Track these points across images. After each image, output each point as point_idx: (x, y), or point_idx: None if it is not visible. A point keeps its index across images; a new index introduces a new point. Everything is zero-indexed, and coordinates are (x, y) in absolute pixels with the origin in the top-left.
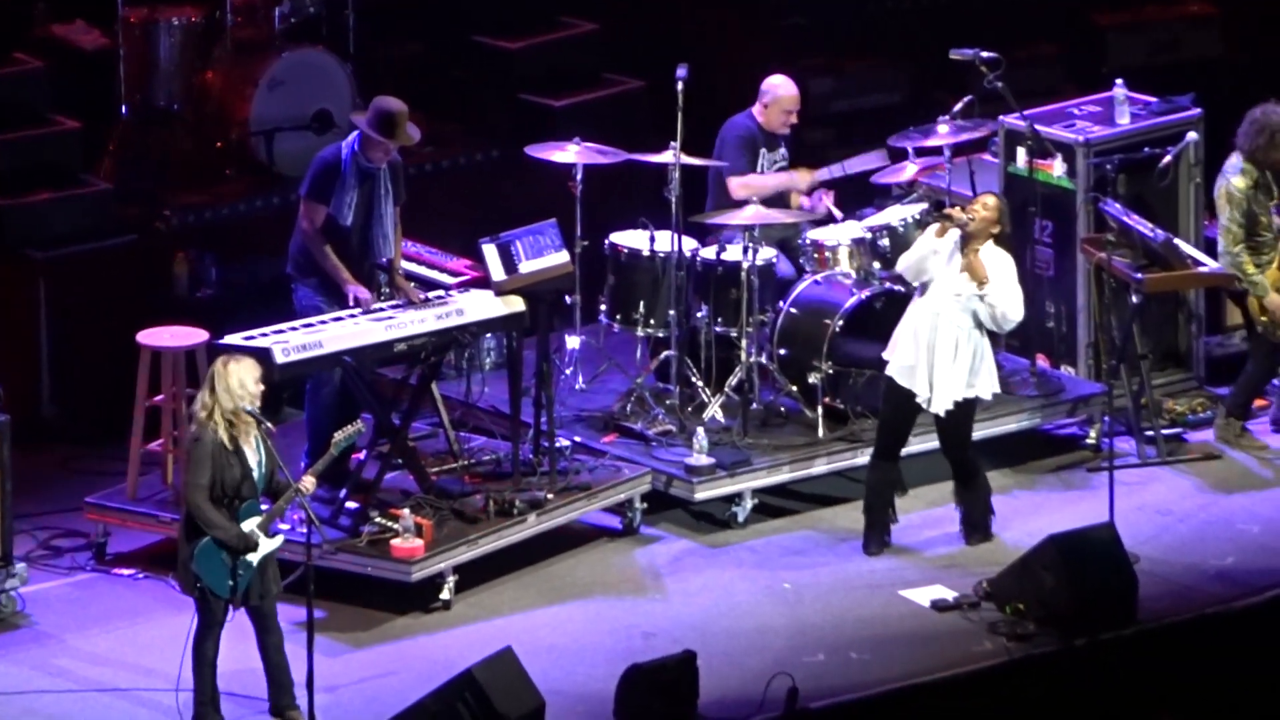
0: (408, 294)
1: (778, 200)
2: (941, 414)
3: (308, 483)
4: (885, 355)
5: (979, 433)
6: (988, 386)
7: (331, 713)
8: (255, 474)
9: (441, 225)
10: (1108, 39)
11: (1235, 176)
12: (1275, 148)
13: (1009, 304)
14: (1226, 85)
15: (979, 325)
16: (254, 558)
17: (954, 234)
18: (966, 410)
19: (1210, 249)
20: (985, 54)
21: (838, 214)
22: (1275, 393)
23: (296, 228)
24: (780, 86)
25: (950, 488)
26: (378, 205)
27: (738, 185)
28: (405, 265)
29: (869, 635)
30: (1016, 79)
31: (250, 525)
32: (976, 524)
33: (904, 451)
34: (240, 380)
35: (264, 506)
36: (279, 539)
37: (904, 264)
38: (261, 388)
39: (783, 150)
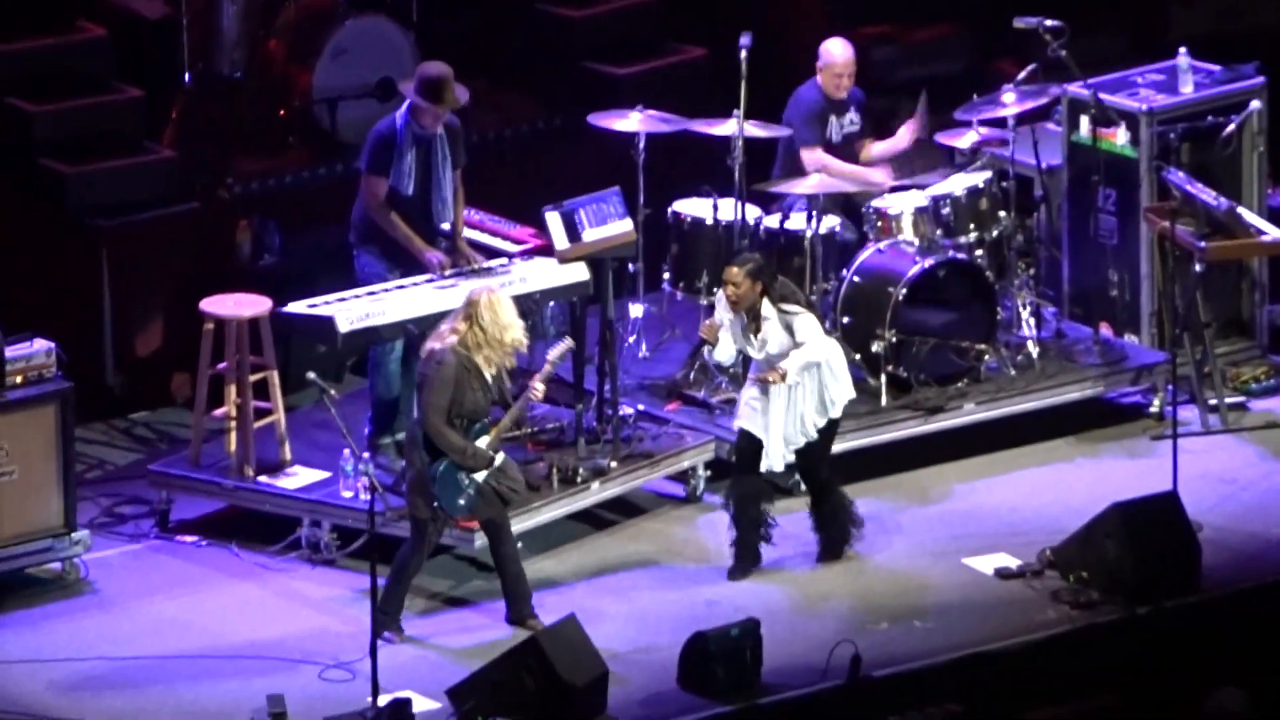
0: (470, 259)
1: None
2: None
3: (537, 389)
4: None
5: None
6: (826, 416)
7: (398, 675)
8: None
9: (504, 193)
10: (1171, 7)
11: None
12: None
13: (814, 352)
14: None
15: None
16: (481, 476)
17: (726, 325)
18: (823, 434)
19: (1274, 217)
20: (1049, 22)
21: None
22: None
23: (359, 196)
24: (830, 51)
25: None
26: (435, 171)
27: (812, 163)
28: (469, 234)
29: (932, 603)
30: (1079, 48)
31: (482, 442)
32: (829, 547)
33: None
34: (494, 317)
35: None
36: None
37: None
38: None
39: (852, 114)
